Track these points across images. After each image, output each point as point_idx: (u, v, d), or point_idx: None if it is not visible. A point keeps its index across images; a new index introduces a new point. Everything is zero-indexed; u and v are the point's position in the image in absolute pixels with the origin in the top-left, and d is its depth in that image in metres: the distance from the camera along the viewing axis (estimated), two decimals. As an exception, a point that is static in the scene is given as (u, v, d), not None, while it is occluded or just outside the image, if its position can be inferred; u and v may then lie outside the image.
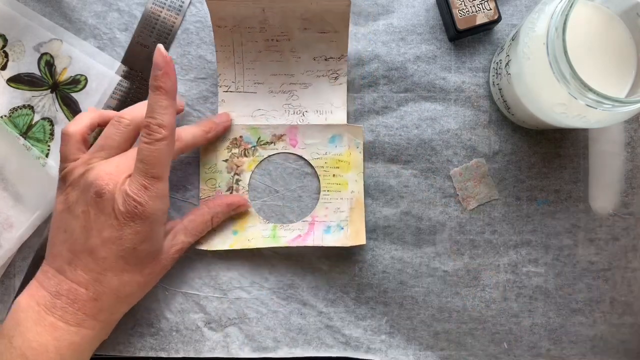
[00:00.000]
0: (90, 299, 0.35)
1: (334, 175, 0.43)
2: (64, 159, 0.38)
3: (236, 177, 0.43)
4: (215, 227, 0.42)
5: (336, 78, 0.43)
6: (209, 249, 0.42)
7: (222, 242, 0.43)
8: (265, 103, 0.43)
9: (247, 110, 0.43)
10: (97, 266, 0.35)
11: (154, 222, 0.36)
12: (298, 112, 0.43)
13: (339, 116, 0.43)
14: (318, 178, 0.43)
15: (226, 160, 0.43)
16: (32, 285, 0.36)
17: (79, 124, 0.38)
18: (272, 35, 0.42)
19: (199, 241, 0.42)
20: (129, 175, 0.36)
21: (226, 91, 0.43)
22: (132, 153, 0.37)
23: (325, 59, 0.43)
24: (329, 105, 0.43)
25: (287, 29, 0.42)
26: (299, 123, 0.43)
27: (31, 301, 0.35)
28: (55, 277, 0.36)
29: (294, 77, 0.43)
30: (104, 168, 0.36)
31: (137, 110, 0.38)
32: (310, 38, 0.42)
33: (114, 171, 0.36)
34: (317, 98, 0.43)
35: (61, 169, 0.38)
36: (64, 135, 0.38)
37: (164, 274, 0.40)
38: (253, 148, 0.43)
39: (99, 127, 0.40)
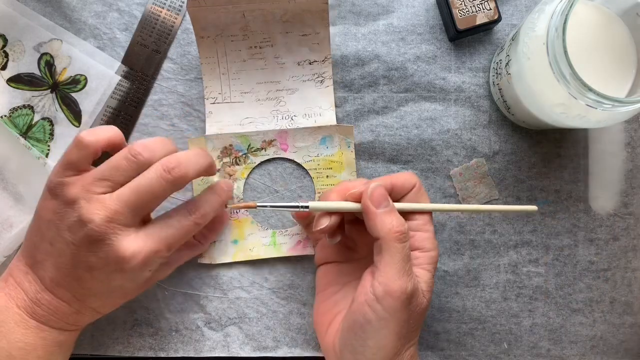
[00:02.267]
0: (73, 313, 0.36)
1: (327, 176, 0.43)
2: (69, 165, 0.34)
3: None
4: (215, 239, 0.42)
5: (322, 81, 0.43)
6: (212, 262, 0.42)
7: (224, 255, 0.43)
8: (253, 111, 0.43)
9: (235, 120, 0.43)
10: (82, 289, 0.35)
11: (143, 283, 0.37)
12: (287, 117, 0.43)
13: (328, 118, 0.43)
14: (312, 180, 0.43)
15: (218, 170, 0.43)
16: (9, 282, 0.35)
17: (99, 136, 0.35)
18: (255, 43, 0.42)
19: (200, 256, 0.42)
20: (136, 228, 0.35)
21: (213, 103, 0.43)
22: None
23: (310, 63, 0.42)
24: (317, 108, 0.43)
25: (270, 34, 0.42)
26: (289, 127, 0.43)
27: (10, 302, 0.34)
28: (35, 283, 0.35)
29: (280, 84, 0.43)
30: (104, 214, 0.33)
31: (158, 148, 0.35)
32: (292, 42, 0.42)
33: (111, 215, 0.33)
34: (305, 102, 0.43)
35: (60, 174, 0.34)
36: (80, 143, 0.34)
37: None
38: (244, 155, 0.43)
39: (111, 150, 0.36)
